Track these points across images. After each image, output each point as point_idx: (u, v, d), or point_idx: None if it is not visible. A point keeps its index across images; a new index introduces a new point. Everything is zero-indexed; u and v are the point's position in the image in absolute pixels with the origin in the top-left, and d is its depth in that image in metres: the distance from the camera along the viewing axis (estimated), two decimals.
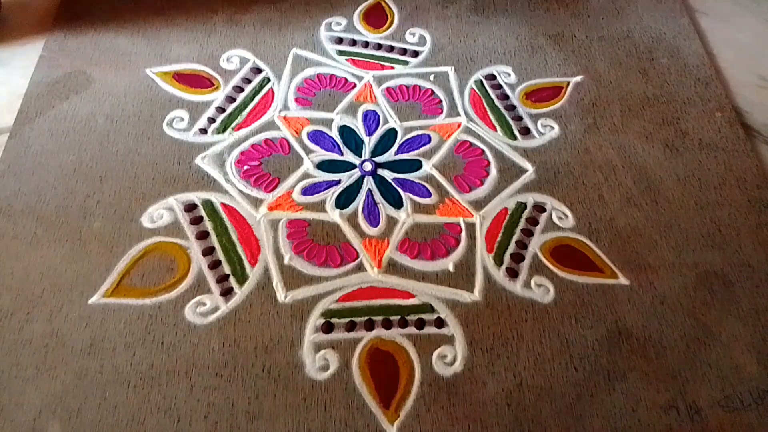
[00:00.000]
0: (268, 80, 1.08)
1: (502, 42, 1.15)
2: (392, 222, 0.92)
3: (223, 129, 1.01)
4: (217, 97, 1.05)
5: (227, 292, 0.84)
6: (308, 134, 1.01)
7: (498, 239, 0.91)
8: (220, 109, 1.03)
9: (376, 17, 1.18)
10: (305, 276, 0.86)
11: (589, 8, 1.22)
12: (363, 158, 0.99)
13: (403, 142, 1.01)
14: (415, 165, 0.99)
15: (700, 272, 0.89)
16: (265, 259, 0.87)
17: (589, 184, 0.97)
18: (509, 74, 1.11)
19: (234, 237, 0.89)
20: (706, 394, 0.79)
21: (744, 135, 1.04)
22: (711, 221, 0.94)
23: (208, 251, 0.88)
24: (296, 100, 1.05)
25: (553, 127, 1.04)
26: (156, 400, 0.75)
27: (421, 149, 1.01)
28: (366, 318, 0.83)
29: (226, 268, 0.86)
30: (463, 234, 0.91)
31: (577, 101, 1.08)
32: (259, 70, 1.09)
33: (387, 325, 0.82)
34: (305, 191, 0.95)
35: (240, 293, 0.84)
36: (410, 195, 0.95)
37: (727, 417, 0.77)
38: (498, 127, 1.04)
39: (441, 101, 1.07)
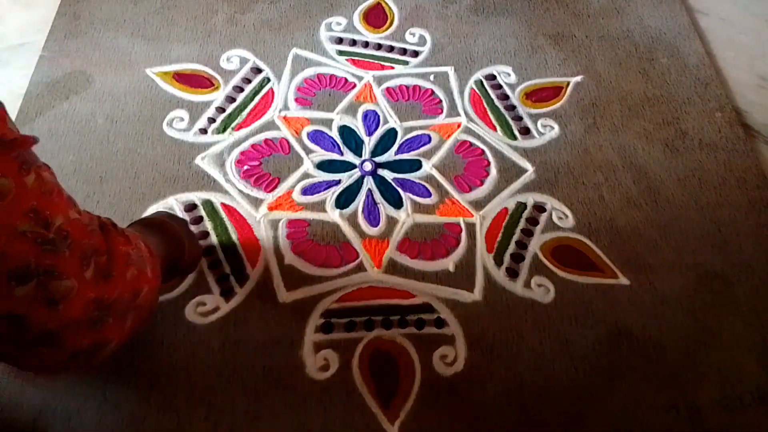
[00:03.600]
0: (268, 80, 1.07)
1: (502, 42, 1.15)
2: (392, 222, 0.92)
3: (223, 129, 1.01)
4: (217, 97, 1.04)
5: (227, 292, 0.84)
6: (308, 134, 1.01)
7: (498, 239, 0.91)
8: (220, 109, 1.03)
9: (376, 17, 1.18)
10: (305, 276, 0.86)
11: (589, 8, 1.22)
12: (363, 158, 0.99)
13: (403, 142, 1.01)
14: (415, 165, 0.99)
15: (700, 272, 0.89)
16: (265, 259, 0.87)
17: (589, 184, 0.97)
18: (509, 74, 1.11)
19: (234, 237, 0.89)
20: (706, 394, 0.79)
21: (744, 135, 1.04)
22: (711, 221, 0.94)
23: (208, 251, 0.88)
24: (296, 100, 1.05)
25: (553, 127, 1.04)
26: (156, 400, 0.75)
27: (421, 149, 1.01)
28: (366, 318, 0.83)
29: (226, 268, 0.86)
30: (463, 234, 0.91)
31: (577, 101, 1.08)
32: (259, 70, 1.09)
33: (387, 325, 0.82)
34: (305, 191, 0.95)
35: (240, 293, 0.84)
36: (410, 195, 0.95)
37: (727, 417, 0.77)
38: (498, 127, 1.04)
39: (441, 101, 1.07)
